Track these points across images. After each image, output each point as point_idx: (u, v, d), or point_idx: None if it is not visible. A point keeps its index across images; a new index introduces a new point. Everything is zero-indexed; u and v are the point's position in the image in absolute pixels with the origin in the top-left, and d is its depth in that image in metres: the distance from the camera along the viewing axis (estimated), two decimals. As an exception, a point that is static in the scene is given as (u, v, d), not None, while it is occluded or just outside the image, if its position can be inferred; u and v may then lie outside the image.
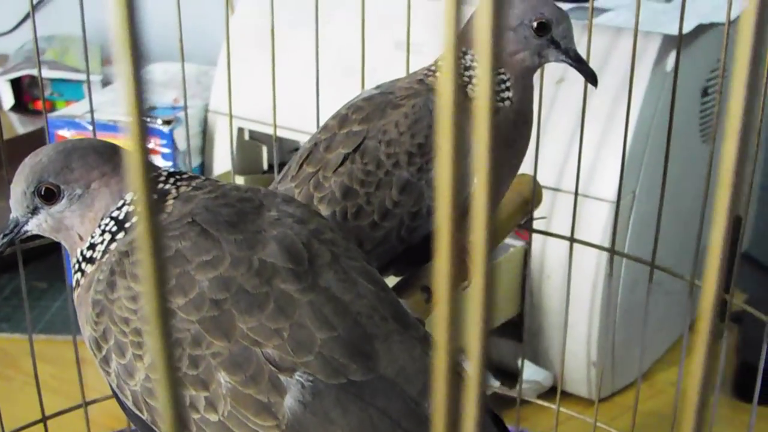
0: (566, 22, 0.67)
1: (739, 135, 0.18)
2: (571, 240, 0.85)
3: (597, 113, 0.90)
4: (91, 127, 0.87)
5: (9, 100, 1.57)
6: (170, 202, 0.53)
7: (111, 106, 1.16)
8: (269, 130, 1.03)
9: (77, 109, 1.19)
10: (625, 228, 0.92)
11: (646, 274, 0.82)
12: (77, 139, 0.57)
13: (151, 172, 0.17)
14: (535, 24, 0.66)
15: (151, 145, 1.08)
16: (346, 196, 0.65)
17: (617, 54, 0.92)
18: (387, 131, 0.65)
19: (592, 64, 0.71)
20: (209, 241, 0.50)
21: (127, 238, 0.53)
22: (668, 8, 1.01)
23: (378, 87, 0.70)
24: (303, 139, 1.07)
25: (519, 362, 0.92)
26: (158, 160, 1.12)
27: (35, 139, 1.20)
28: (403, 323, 0.52)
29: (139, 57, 0.15)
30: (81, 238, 0.55)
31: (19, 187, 0.55)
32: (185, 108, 0.93)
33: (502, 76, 0.67)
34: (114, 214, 0.54)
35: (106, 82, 1.48)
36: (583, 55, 0.71)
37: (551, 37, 0.67)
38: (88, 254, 0.54)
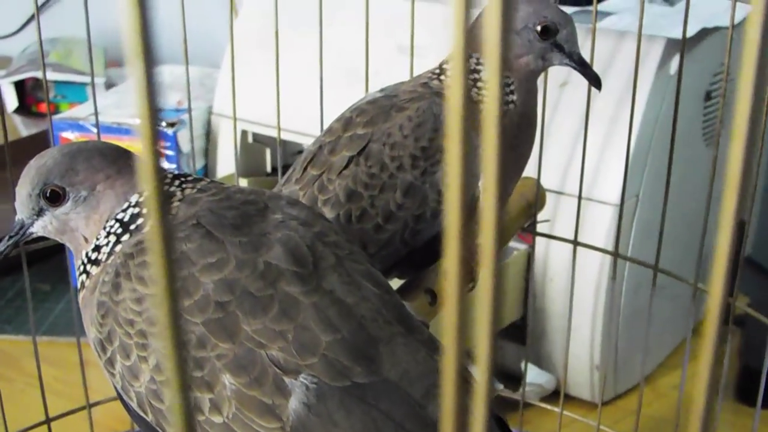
0: (570, 26, 0.67)
1: (745, 139, 0.18)
2: (575, 243, 0.85)
3: (600, 117, 0.90)
4: (94, 130, 0.87)
5: (13, 103, 1.57)
6: (175, 204, 0.53)
7: (115, 108, 1.16)
8: (272, 133, 1.03)
9: (81, 111, 1.19)
10: (628, 231, 0.92)
11: (649, 277, 0.82)
12: (82, 142, 0.58)
13: (162, 173, 0.17)
14: (539, 27, 0.66)
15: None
16: (350, 199, 0.65)
17: (620, 57, 0.92)
18: (391, 134, 0.65)
19: (595, 68, 0.71)
20: (214, 244, 0.50)
21: (131, 240, 0.53)
22: (671, 12, 1.01)
23: (382, 90, 0.70)
24: (306, 142, 1.07)
25: (522, 365, 0.92)
26: (161, 163, 1.12)
27: (39, 142, 1.20)
28: (407, 326, 0.52)
29: (151, 59, 0.15)
30: (86, 240, 0.55)
31: (24, 189, 0.55)
32: (189, 110, 0.93)
33: (506, 80, 0.67)
34: (119, 216, 0.54)
35: (109, 85, 1.48)
36: (587, 59, 0.71)
37: (555, 41, 0.67)
38: (93, 256, 0.54)
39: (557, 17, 0.67)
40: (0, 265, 0.58)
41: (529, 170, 0.77)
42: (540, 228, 0.88)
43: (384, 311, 0.51)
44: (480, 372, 0.18)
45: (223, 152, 1.18)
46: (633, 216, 0.92)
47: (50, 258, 1.20)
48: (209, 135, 1.19)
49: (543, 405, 0.93)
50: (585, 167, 0.82)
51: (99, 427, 0.85)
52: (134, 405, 0.52)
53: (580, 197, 0.83)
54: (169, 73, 1.27)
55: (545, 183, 0.86)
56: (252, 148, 1.17)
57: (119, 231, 0.54)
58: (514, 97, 0.67)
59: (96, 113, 0.84)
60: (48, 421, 0.80)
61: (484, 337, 0.17)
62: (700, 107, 1.00)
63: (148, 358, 0.50)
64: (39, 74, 1.54)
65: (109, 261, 0.53)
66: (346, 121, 0.67)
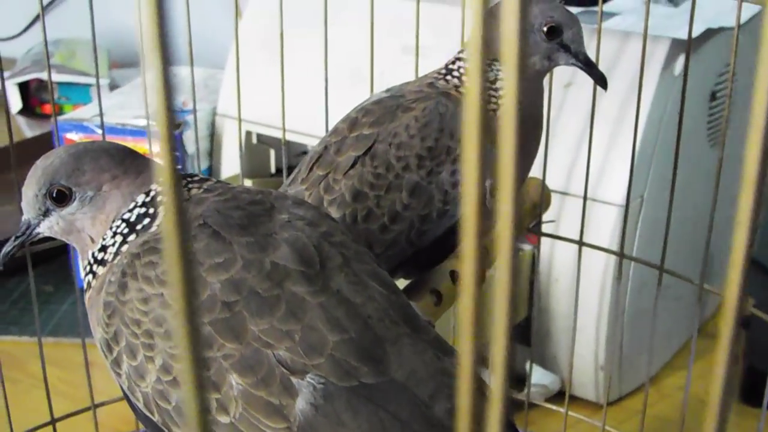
0: (576, 26, 0.67)
1: (762, 139, 0.18)
2: (580, 243, 0.84)
3: (605, 117, 0.90)
4: (99, 131, 0.87)
5: (17, 104, 1.58)
6: (182, 204, 0.53)
7: (119, 109, 1.16)
8: (276, 134, 1.03)
9: (85, 112, 1.19)
10: (634, 232, 0.92)
11: (655, 278, 0.82)
12: (88, 142, 0.58)
13: (179, 172, 0.17)
14: (545, 28, 0.66)
15: (159, 149, 1.08)
16: (356, 199, 0.65)
17: (625, 58, 0.92)
18: (397, 134, 0.65)
19: (599, 68, 0.71)
20: (220, 244, 0.50)
21: (138, 240, 0.53)
22: (675, 12, 1.01)
23: (388, 90, 0.70)
24: (310, 143, 1.07)
25: (527, 366, 0.92)
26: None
27: (43, 143, 1.20)
28: (413, 326, 0.52)
29: (168, 59, 0.15)
30: (92, 240, 0.55)
31: (30, 190, 0.55)
32: (194, 111, 0.93)
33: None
34: (125, 216, 0.54)
35: (113, 86, 1.49)
36: (592, 59, 0.71)
37: (561, 41, 0.67)
38: (100, 256, 0.54)
39: (563, 17, 0.67)
40: (4, 267, 0.58)
41: (535, 170, 0.77)
42: (545, 228, 0.88)
43: (391, 311, 0.51)
44: (496, 360, 0.18)
45: (228, 153, 1.18)
46: (638, 216, 0.92)
47: (54, 259, 1.20)
48: (213, 136, 1.19)
49: (548, 405, 0.93)
50: (590, 167, 0.82)
51: (104, 428, 0.86)
52: (141, 405, 0.52)
53: (585, 197, 0.83)
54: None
55: (550, 183, 0.85)
56: (256, 149, 1.17)
57: (126, 231, 0.54)
58: (521, 98, 0.67)
59: (101, 114, 0.84)
60: (53, 422, 0.80)
61: (501, 327, 0.17)
62: (705, 108, 1.00)
63: (155, 358, 0.50)
64: (43, 75, 1.54)
65: (116, 261, 0.53)
66: (352, 122, 0.67)
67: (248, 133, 1.14)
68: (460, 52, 0.70)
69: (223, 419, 0.49)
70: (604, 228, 0.90)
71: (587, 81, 0.72)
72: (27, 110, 1.60)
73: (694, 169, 0.96)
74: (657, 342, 0.93)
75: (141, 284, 0.51)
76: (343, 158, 0.66)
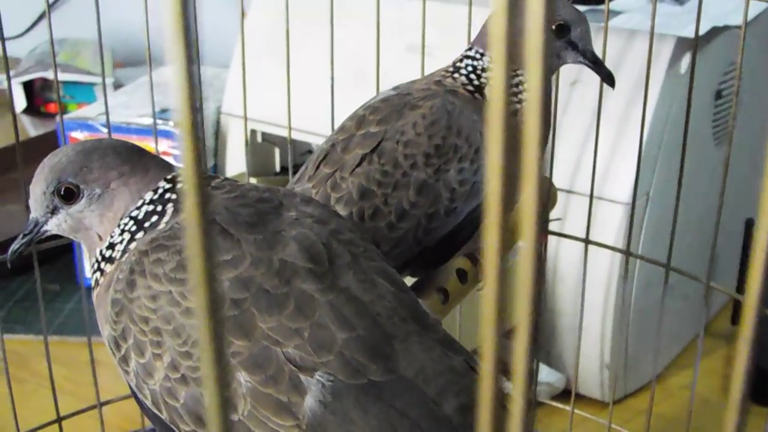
0: (584, 25, 0.67)
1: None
2: (586, 242, 0.84)
3: (611, 115, 0.90)
4: (104, 129, 0.87)
5: (21, 103, 1.58)
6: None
7: (124, 108, 1.17)
8: (281, 132, 1.03)
9: (89, 111, 1.19)
10: (639, 230, 0.92)
11: (660, 276, 0.82)
12: (96, 140, 0.57)
13: (202, 165, 0.17)
14: (553, 26, 0.66)
15: (164, 147, 1.08)
16: (363, 197, 0.65)
17: (631, 56, 0.92)
18: (404, 132, 0.65)
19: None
20: (229, 241, 0.50)
21: (146, 238, 0.53)
22: (681, 11, 1.01)
23: (395, 88, 0.70)
24: (315, 141, 1.07)
25: (533, 364, 0.92)
26: (172, 162, 1.12)
27: (48, 142, 1.20)
28: (422, 324, 0.52)
29: (191, 56, 0.15)
30: (100, 238, 0.55)
31: (38, 188, 0.55)
32: (201, 110, 0.93)
33: (520, 78, 0.67)
34: (133, 214, 0.54)
35: (117, 85, 1.49)
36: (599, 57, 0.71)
37: (569, 39, 0.67)
38: (108, 254, 0.54)
39: (571, 16, 0.67)
40: (11, 265, 0.58)
41: (541, 169, 0.76)
42: (551, 226, 0.88)
43: (399, 309, 0.51)
44: (519, 341, 0.18)
45: (232, 152, 1.18)
46: (644, 214, 0.92)
47: (59, 258, 1.20)
48: (218, 135, 1.19)
49: (554, 404, 0.93)
50: (596, 165, 0.82)
51: (109, 426, 0.86)
52: (148, 403, 0.52)
53: (591, 196, 0.83)
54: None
55: (556, 181, 0.85)
56: (261, 147, 1.17)
57: (133, 228, 0.54)
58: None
59: (107, 112, 0.84)
60: (59, 420, 0.80)
61: (524, 314, 0.17)
62: (711, 106, 1.00)
63: (163, 355, 0.50)
64: (47, 75, 1.54)
65: (124, 258, 0.53)
66: (359, 119, 0.67)
67: (253, 132, 1.14)
68: (468, 50, 0.70)
69: (232, 417, 0.48)
70: (610, 226, 0.90)
71: (593, 79, 0.71)
72: (31, 109, 1.60)
73: (698, 167, 0.96)
74: (662, 340, 0.93)
75: (149, 281, 0.51)
76: (350, 156, 0.66)
